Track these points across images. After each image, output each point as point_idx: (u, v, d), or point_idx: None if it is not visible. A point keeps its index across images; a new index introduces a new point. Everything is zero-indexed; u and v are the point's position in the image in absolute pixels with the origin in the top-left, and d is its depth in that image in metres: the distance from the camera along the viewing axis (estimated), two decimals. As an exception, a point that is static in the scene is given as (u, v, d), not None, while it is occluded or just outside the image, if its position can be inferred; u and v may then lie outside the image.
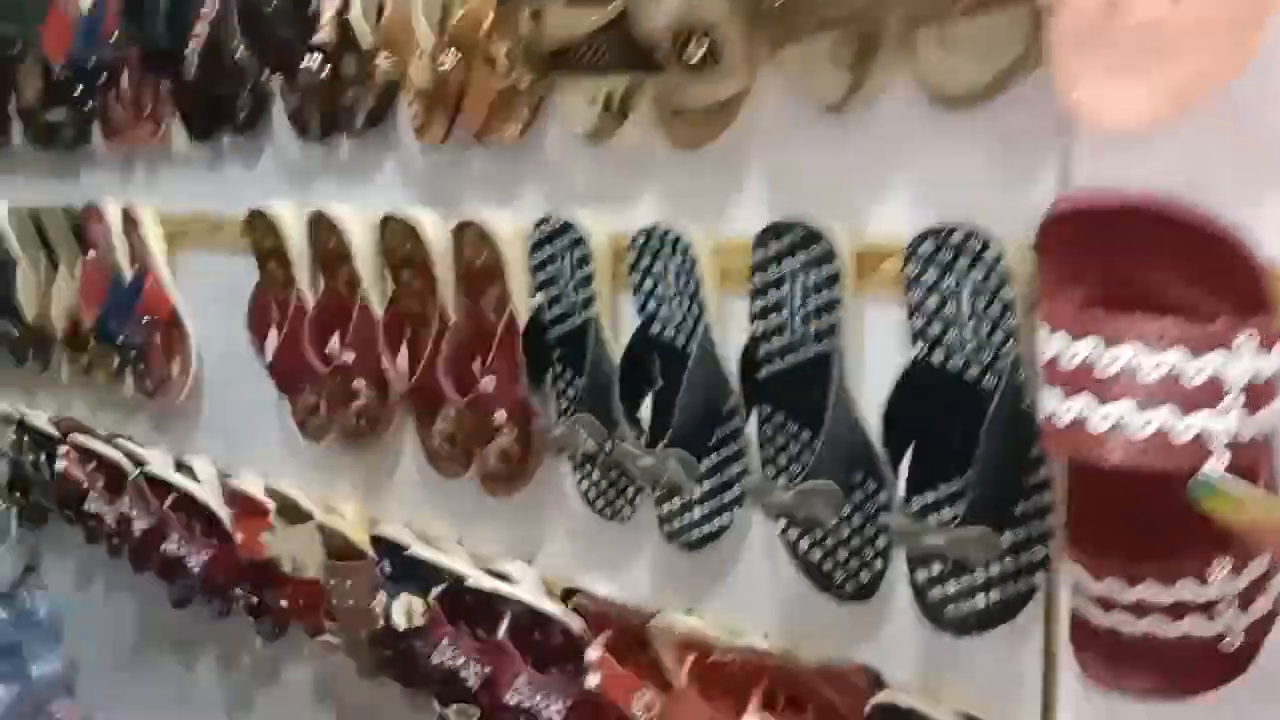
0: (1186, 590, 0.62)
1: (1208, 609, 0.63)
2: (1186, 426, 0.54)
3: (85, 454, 1.63)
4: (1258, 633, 0.65)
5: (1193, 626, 0.63)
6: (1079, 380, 0.55)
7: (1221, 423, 0.54)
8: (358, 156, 1.22)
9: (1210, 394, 0.54)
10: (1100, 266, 0.60)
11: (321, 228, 1.19)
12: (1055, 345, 0.57)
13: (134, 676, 1.84)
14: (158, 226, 1.47)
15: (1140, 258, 0.58)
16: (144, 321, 1.46)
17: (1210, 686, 0.66)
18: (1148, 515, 0.63)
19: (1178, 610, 0.63)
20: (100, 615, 1.89)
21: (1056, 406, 0.56)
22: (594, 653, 0.99)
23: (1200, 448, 0.54)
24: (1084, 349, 0.55)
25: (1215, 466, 0.54)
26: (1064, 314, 0.57)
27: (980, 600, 0.82)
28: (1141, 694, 0.68)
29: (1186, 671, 0.66)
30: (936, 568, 0.84)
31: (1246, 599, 0.63)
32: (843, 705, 0.86)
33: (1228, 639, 0.63)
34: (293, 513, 1.32)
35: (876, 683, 0.87)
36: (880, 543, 0.88)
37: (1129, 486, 0.62)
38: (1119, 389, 0.54)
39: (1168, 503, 0.62)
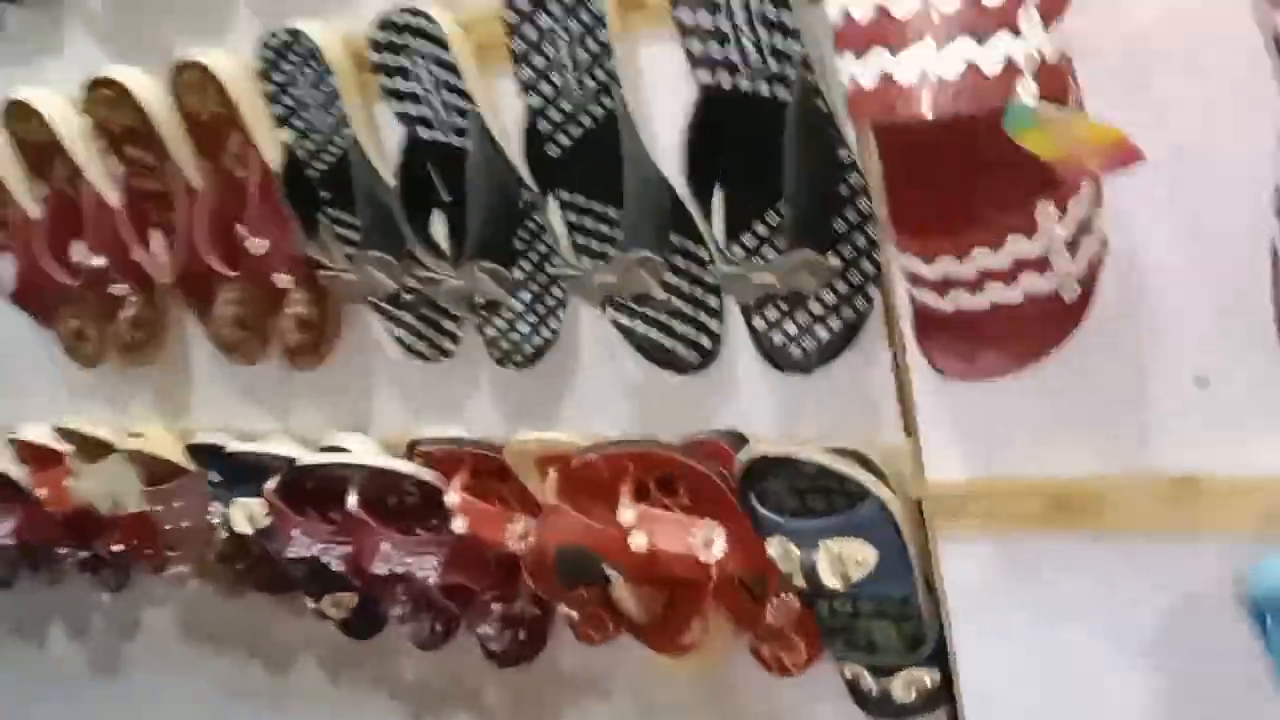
0: (1017, 247, 0.59)
1: (1040, 263, 0.60)
2: (994, 55, 0.49)
3: None
4: (1090, 276, 0.63)
5: (1030, 285, 0.61)
6: (873, 35, 0.49)
7: (1024, 44, 0.49)
8: (29, 25, 1.03)
9: (1007, 12, 0.49)
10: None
11: (16, 119, 1.02)
12: (840, 3, 0.51)
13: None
14: None
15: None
16: None
17: (1056, 341, 0.64)
18: (965, 178, 0.59)
19: (1013, 272, 0.60)
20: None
21: (857, 70, 0.50)
22: (452, 497, 0.93)
23: (1009, 77, 0.49)
24: (874, -2, 0.48)
25: (1028, 95, 0.50)
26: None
27: (822, 331, 0.78)
28: (994, 372, 0.66)
29: (1033, 334, 0.64)
30: (772, 311, 0.80)
31: (1074, 243, 0.60)
32: (713, 473, 0.83)
33: (1065, 288, 0.61)
34: (92, 450, 1.19)
35: (741, 442, 0.84)
36: (711, 301, 0.83)
37: (940, 149, 0.58)
38: (915, 30, 0.48)
39: (983, 157, 0.58)
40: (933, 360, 0.68)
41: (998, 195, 0.57)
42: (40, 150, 1.03)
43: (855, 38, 0.50)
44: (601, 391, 0.91)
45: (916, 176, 0.58)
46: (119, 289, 1.05)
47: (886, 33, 0.49)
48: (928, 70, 0.49)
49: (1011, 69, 0.49)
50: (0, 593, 1.39)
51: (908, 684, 0.82)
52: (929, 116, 0.48)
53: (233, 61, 0.90)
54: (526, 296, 0.89)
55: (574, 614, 1.01)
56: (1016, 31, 0.49)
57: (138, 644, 1.46)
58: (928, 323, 0.66)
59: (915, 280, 0.62)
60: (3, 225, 1.10)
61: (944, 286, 0.61)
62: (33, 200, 1.08)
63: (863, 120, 0.50)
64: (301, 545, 1.04)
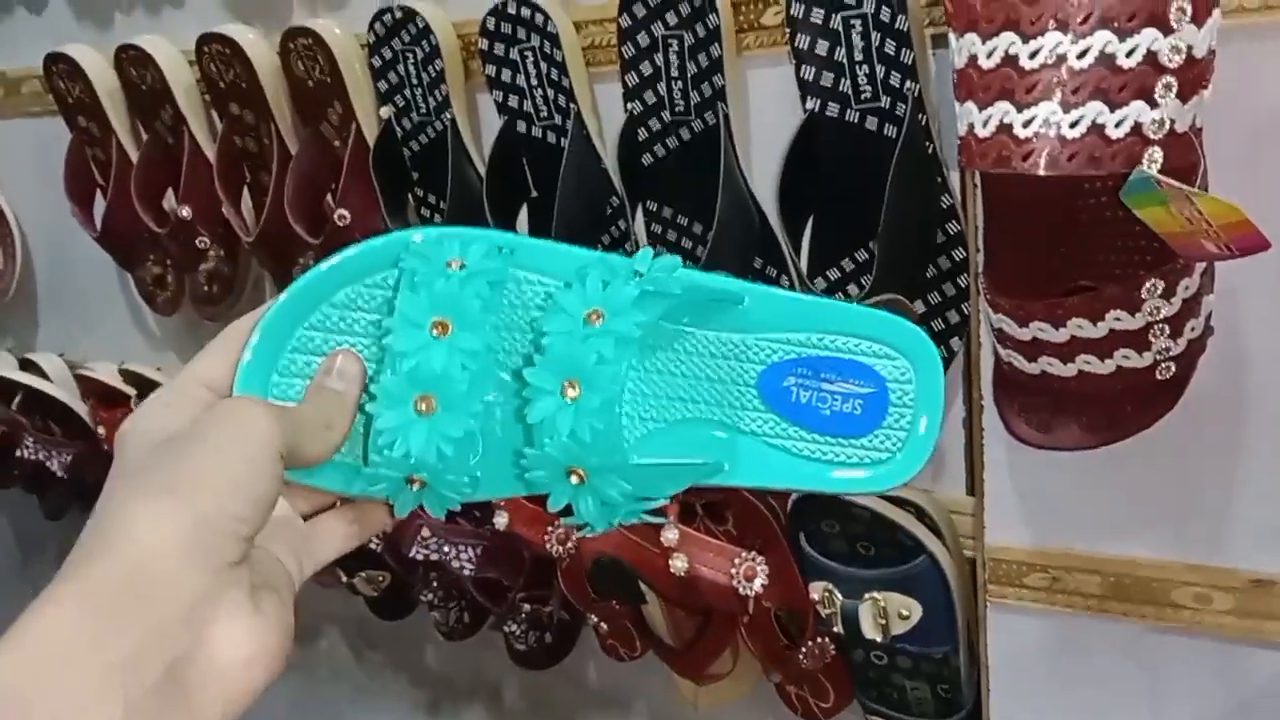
0: (1117, 321, 0.57)
1: (1139, 338, 0.58)
2: (1122, 118, 0.47)
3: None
4: (1190, 360, 0.61)
5: (1123, 359, 0.58)
6: (997, 85, 0.48)
7: (1156, 112, 0.47)
8: (157, -25, 1.06)
9: (1143, 78, 0.47)
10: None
11: (131, 65, 1.04)
12: (966, 50, 0.49)
13: (22, 602, 1.72)
14: (-56, 98, 1.28)
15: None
16: (-50, 212, 1.29)
17: (1146, 422, 0.61)
18: (1071, 243, 0.57)
19: (1109, 345, 0.58)
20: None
21: (976, 117, 0.48)
22: (498, 492, 0.92)
23: (1135, 143, 0.47)
24: (1001, 45, 0.47)
25: (1151, 165, 0.48)
26: (970, 10, 0.48)
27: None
28: (1071, 444, 0.64)
29: (1120, 409, 0.62)
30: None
31: (1178, 324, 0.58)
32: (764, 505, 0.81)
33: (1162, 366, 0.59)
34: (156, 395, 1.20)
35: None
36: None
37: (1049, 210, 0.56)
38: (1043, 87, 0.47)
39: (1093, 224, 0.56)
40: (1009, 423, 0.66)
41: (1103, 266, 0.55)
42: (149, 96, 1.04)
43: (979, 84, 0.49)
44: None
45: (1021, 235, 0.56)
46: (202, 242, 1.07)
47: (1013, 83, 0.47)
48: (1049, 125, 0.47)
49: (1139, 135, 0.47)
50: (53, 524, 1.41)
51: (936, 748, 0.80)
52: (1044, 173, 0.46)
53: (345, 32, 0.90)
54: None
55: (603, 625, 1.00)
56: (1150, 97, 0.47)
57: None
58: (1010, 383, 0.64)
59: (1004, 339, 0.60)
60: (104, 165, 1.12)
61: (1034, 350, 0.59)
62: (133, 143, 1.10)
63: (974, 169, 0.48)
64: (344, 518, 1.05)
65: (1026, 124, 0.47)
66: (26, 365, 1.36)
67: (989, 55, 0.48)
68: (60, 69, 1.10)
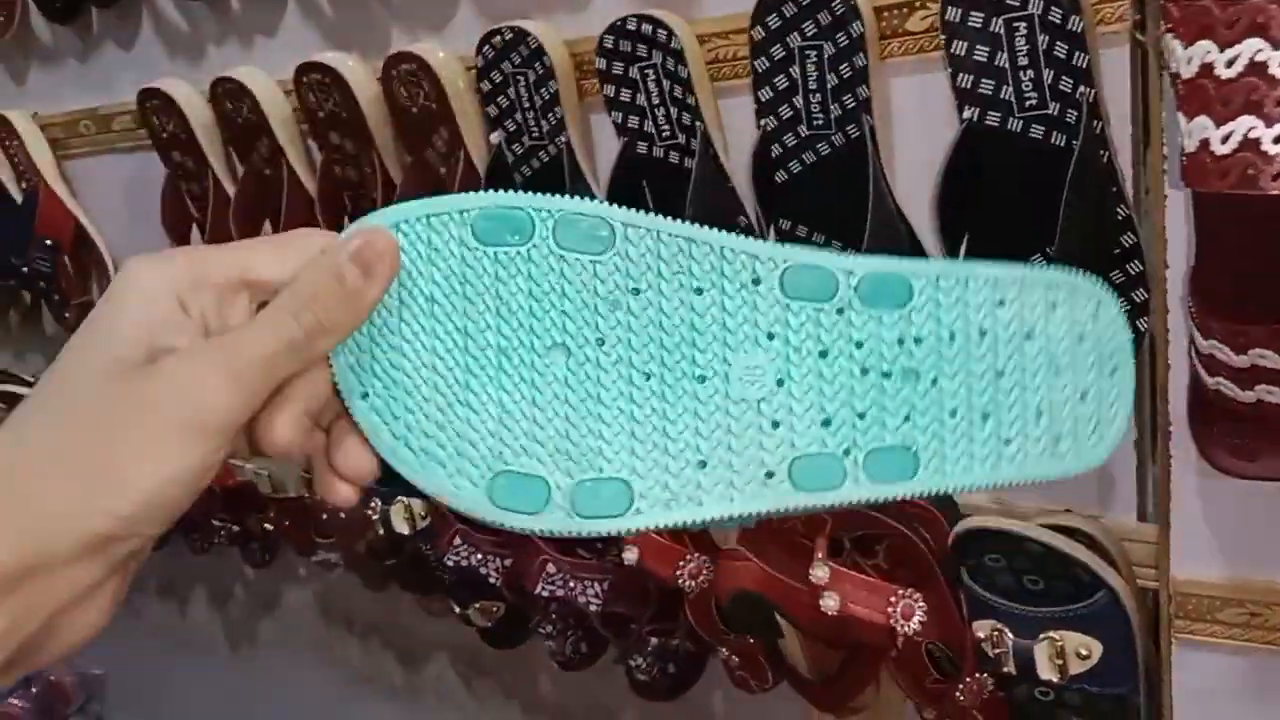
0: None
1: (1370, 363, 0.52)
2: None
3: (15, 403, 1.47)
4: None
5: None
6: (1240, 96, 0.42)
7: None
8: (252, 6, 1.03)
9: None
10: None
11: (226, 98, 1.02)
12: (1198, 59, 0.44)
13: (123, 626, 1.73)
14: (38, 134, 1.27)
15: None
16: (47, 244, 1.28)
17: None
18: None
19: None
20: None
21: (1210, 133, 0.43)
22: (626, 526, 0.88)
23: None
24: (1245, 53, 0.42)
25: None
26: (1205, 14, 0.43)
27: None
28: (1282, 473, 0.59)
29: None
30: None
31: None
32: (919, 539, 0.77)
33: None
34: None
35: (951, 506, 0.77)
36: (936, 353, 0.77)
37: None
38: (1298, 95, 0.41)
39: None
40: (1209, 451, 0.60)
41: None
42: (245, 129, 1.02)
43: (1215, 97, 0.43)
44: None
45: (1244, 258, 0.51)
46: (304, 274, 1.04)
47: (1260, 94, 0.42)
48: (1306, 141, 0.42)
49: None
50: (152, 553, 1.41)
51: (1111, 794, 0.74)
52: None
53: (450, 56, 0.87)
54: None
55: (734, 658, 0.96)
56: None
57: (275, 621, 1.47)
58: (1212, 410, 0.59)
59: (1215, 366, 0.55)
60: (200, 199, 1.10)
61: (1250, 378, 0.54)
62: (229, 177, 1.08)
63: (1208, 189, 0.43)
64: (460, 553, 1.02)
65: (1278, 139, 0.42)
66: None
67: (1229, 64, 0.42)
68: (154, 104, 1.08)
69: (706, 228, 0.35)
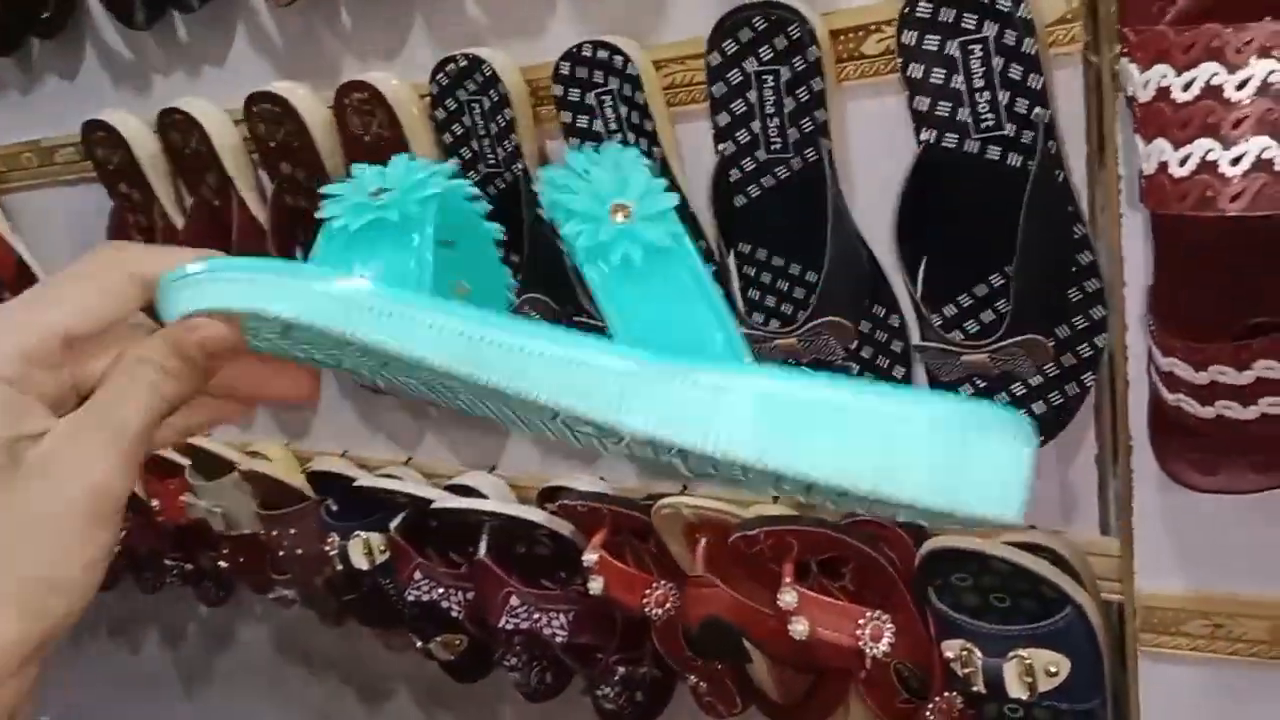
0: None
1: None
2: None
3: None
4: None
5: (1309, 399, 0.54)
6: (1198, 119, 0.43)
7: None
8: (200, 36, 1.01)
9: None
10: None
11: (173, 129, 1.00)
12: (1155, 83, 0.45)
13: (73, 668, 1.68)
14: (-24, 168, 1.24)
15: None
16: (-13, 282, 1.25)
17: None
18: (1266, 285, 0.52)
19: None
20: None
21: (1168, 156, 0.44)
22: (591, 556, 0.88)
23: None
24: (1200, 76, 0.42)
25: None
26: (1160, 40, 0.44)
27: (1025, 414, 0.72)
28: (1241, 487, 0.60)
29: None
30: (968, 389, 0.73)
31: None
32: (886, 560, 0.77)
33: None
34: (211, 466, 1.16)
35: (916, 527, 0.78)
36: (897, 372, 0.77)
37: (1241, 252, 0.52)
38: (1255, 116, 0.42)
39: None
40: (1170, 466, 0.61)
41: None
42: (193, 160, 1.00)
43: (1173, 120, 0.44)
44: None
45: (1202, 276, 0.52)
46: (256, 306, 1.02)
47: (1216, 117, 0.43)
48: (1262, 162, 0.42)
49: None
50: (103, 593, 1.37)
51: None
52: (1263, 212, 0.42)
53: (403, 84, 0.86)
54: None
55: (702, 685, 0.95)
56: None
57: (230, 659, 1.43)
58: (1172, 426, 0.60)
59: (1175, 383, 0.55)
60: (148, 232, 1.08)
61: (1210, 394, 0.54)
62: (178, 210, 1.06)
63: (1165, 211, 0.44)
64: (421, 587, 1.00)
65: (1235, 161, 0.42)
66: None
67: (1185, 88, 0.43)
68: (98, 136, 1.06)
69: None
